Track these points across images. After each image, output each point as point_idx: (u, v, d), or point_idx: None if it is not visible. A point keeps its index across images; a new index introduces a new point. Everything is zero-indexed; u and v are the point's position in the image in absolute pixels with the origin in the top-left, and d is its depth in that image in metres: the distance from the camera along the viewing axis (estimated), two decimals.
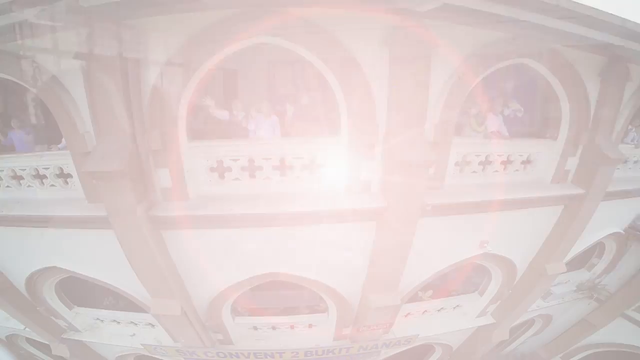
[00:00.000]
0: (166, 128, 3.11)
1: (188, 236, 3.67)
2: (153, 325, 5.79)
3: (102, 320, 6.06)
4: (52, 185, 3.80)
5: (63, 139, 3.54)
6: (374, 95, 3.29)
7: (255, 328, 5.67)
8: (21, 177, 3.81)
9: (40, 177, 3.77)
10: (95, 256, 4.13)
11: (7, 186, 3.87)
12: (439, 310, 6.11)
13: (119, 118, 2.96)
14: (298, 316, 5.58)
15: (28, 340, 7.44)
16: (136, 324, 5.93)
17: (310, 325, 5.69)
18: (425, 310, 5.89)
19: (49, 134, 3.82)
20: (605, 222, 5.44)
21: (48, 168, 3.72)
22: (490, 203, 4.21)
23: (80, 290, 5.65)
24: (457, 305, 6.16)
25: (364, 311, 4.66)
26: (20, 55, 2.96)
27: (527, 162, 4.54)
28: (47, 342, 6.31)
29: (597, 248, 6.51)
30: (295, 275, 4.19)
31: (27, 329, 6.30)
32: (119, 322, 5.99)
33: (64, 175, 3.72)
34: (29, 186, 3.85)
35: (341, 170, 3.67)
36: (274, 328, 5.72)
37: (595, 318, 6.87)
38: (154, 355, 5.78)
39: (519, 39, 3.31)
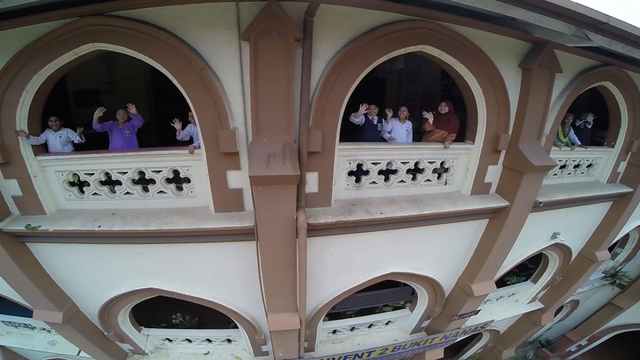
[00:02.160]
0: (328, 129, 3.55)
1: (321, 244, 4.07)
2: (230, 341, 6.17)
3: (171, 340, 6.20)
4: (161, 192, 3.76)
5: (197, 137, 3.54)
6: (511, 109, 4.08)
7: (335, 331, 6.25)
8: (118, 183, 3.70)
9: (145, 182, 3.70)
10: (202, 272, 4.24)
11: (95, 193, 3.77)
12: (497, 299, 7.17)
13: (282, 115, 3.11)
14: (378, 315, 6.25)
15: None
16: (212, 341, 6.19)
17: (388, 323, 6.42)
18: (488, 299, 6.90)
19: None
20: (636, 215, 6.81)
21: (160, 171, 3.66)
22: (560, 201, 5.21)
23: (148, 311, 5.67)
24: (513, 293, 7.27)
25: (459, 301, 5.48)
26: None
27: (590, 166, 5.65)
28: None
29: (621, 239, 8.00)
30: (409, 272, 4.87)
31: (80, 355, 6.27)
32: (191, 341, 6.19)
33: (178, 180, 3.72)
34: (126, 193, 3.77)
35: (469, 174, 4.43)
36: (352, 329, 6.35)
37: (621, 301, 8.40)
38: None
39: None
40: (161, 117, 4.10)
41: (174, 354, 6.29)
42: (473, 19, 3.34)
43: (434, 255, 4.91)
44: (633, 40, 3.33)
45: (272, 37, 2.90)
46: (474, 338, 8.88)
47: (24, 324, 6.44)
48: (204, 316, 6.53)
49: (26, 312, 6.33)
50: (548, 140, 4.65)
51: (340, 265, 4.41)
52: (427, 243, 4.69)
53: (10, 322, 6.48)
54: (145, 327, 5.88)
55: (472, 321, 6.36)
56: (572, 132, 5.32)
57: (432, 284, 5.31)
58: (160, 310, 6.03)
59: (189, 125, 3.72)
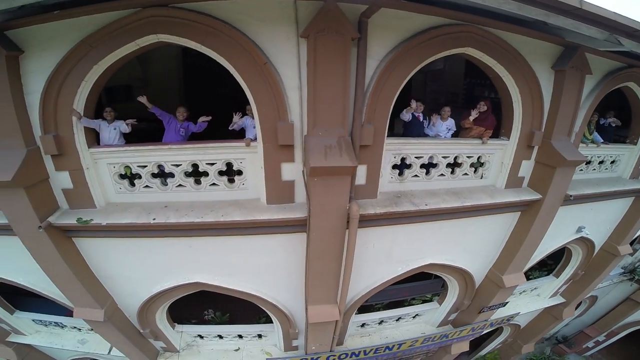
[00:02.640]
0: (378, 123, 3.74)
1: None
2: (261, 337, 6.33)
3: (203, 337, 6.33)
4: (213, 184, 3.91)
5: (250, 130, 3.75)
6: (545, 107, 4.30)
7: (363, 325, 6.43)
8: (170, 175, 3.82)
9: (196, 175, 3.82)
10: (247, 265, 4.40)
11: (146, 186, 3.88)
12: (520, 293, 7.38)
13: (338, 109, 3.32)
14: (406, 308, 6.43)
15: None
16: (242, 337, 6.33)
17: (415, 316, 6.60)
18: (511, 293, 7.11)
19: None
20: None
21: (214, 163, 3.82)
22: (587, 195, 5.43)
23: (180, 308, 5.74)
24: (535, 288, 7.49)
25: (488, 292, 5.68)
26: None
27: (613, 162, 5.89)
28: None
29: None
30: (445, 264, 5.06)
31: (111, 353, 6.37)
32: (222, 337, 6.33)
33: (230, 173, 3.87)
34: (178, 186, 3.89)
35: (504, 168, 4.64)
36: (380, 323, 6.53)
37: None
38: None
39: None
40: (193, 114, 4.24)
41: (205, 351, 6.41)
42: (512, 24, 3.58)
43: (468, 247, 5.11)
44: None
45: (330, 36, 3.09)
46: (493, 333, 9.10)
47: (54, 322, 6.54)
48: (234, 312, 6.68)
49: (56, 310, 6.47)
50: (577, 137, 4.91)
51: (381, 256, 4.60)
52: (463, 235, 4.90)
53: (40, 321, 6.57)
54: (178, 324, 6.00)
55: (499, 314, 6.57)
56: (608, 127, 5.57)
57: (464, 276, 5.51)
58: (190, 307, 6.14)
59: (245, 117, 3.88)
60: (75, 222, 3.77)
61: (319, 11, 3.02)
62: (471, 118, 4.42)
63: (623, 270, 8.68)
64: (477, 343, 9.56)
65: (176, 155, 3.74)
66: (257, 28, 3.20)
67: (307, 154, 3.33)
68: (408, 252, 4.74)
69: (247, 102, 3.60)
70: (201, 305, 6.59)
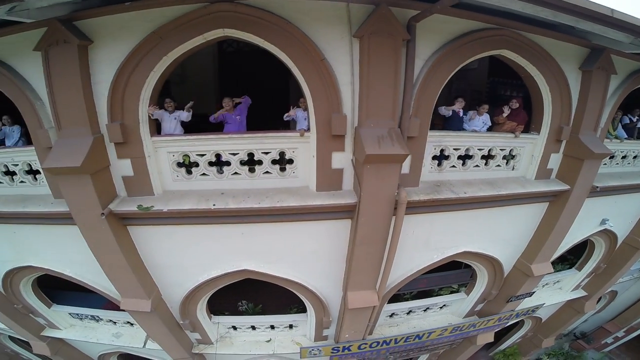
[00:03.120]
0: (423, 117, 4.06)
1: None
2: (292, 327, 6.65)
3: (236, 328, 6.65)
4: (266, 172, 4.27)
5: (301, 121, 4.14)
6: (573, 104, 4.65)
7: (392, 315, 6.74)
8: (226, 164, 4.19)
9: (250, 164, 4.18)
10: (292, 252, 4.75)
11: (203, 174, 4.21)
12: (543, 286, 7.65)
13: (389, 103, 3.66)
14: (435, 298, 6.74)
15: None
16: (274, 328, 6.66)
17: (442, 307, 6.90)
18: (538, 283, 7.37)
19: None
20: None
21: (269, 152, 4.16)
22: (612, 187, 5.73)
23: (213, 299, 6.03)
24: (558, 281, 7.77)
25: (516, 282, 5.98)
26: None
27: (636, 157, 6.20)
28: None
29: None
30: (477, 252, 5.39)
31: (146, 347, 6.67)
32: (255, 328, 6.65)
33: (281, 162, 4.23)
34: (234, 174, 4.24)
35: (534, 161, 4.97)
36: (409, 313, 6.83)
37: None
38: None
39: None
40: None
41: (237, 342, 6.73)
42: (544, 29, 3.93)
43: (500, 237, 5.44)
44: None
45: (382, 37, 3.46)
46: (513, 327, 9.36)
47: (91, 315, 6.83)
48: (265, 304, 7.00)
49: (93, 304, 6.77)
50: (602, 133, 5.26)
51: (419, 243, 4.92)
52: (495, 224, 5.23)
53: (77, 314, 6.85)
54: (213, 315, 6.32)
55: (525, 304, 6.86)
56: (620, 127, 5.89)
57: (493, 265, 5.83)
58: (224, 299, 6.44)
59: (296, 109, 4.23)
60: (136, 209, 4.08)
61: (374, 14, 3.37)
62: (504, 114, 4.76)
63: None
64: (497, 337, 9.79)
65: (235, 144, 4.08)
66: (314, 27, 3.55)
67: (360, 143, 3.67)
68: (444, 239, 5.07)
69: (281, 101, 3.96)
70: (234, 298, 6.91)
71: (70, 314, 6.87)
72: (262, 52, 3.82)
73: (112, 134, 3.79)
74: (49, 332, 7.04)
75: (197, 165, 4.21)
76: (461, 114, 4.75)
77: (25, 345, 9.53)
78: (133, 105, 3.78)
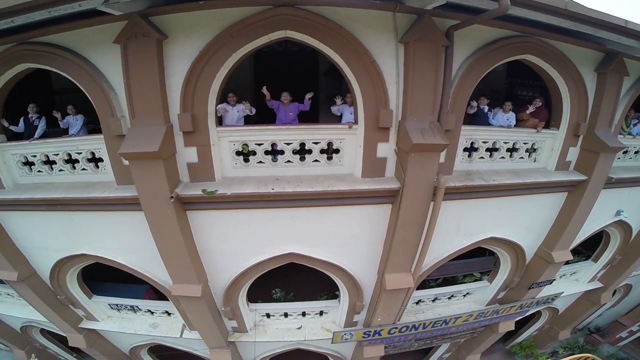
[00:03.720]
0: (458, 113, 4.72)
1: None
2: (322, 314, 7.22)
3: (269, 316, 7.21)
4: (315, 160, 4.84)
5: (348, 115, 4.76)
6: (589, 103, 5.30)
7: (418, 302, 7.31)
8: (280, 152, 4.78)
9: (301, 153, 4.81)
10: (336, 236, 5.34)
11: (259, 162, 4.82)
12: (560, 277, 8.22)
13: (430, 100, 4.34)
14: (459, 285, 7.31)
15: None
16: (305, 315, 7.22)
17: (466, 295, 7.47)
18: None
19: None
20: None
21: (318, 143, 4.76)
22: (626, 179, 6.35)
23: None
24: (574, 272, 8.33)
25: (538, 269, 6.56)
26: None
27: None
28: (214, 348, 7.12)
29: None
30: (503, 238, 5.99)
31: (182, 336, 7.19)
32: (287, 316, 7.21)
33: (329, 151, 4.87)
34: (287, 162, 4.87)
35: (554, 153, 5.60)
36: (434, 300, 7.39)
37: None
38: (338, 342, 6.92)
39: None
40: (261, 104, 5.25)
41: (270, 330, 7.30)
42: (564, 36, 4.60)
43: (523, 224, 6.06)
44: None
45: (425, 43, 4.13)
46: (531, 319, 9.88)
47: (129, 306, 7.35)
48: (295, 292, 7.57)
49: (131, 295, 7.30)
50: (616, 129, 5.90)
51: (450, 229, 5.53)
52: (518, 212, 5.88)
53: (116, 305, 7.36)
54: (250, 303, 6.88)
55: (545, 292, 7.42)
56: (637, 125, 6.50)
57: (516, 251, 6.43)
58: (257, 288, 6.92)
59: (342, 104, 4.87)
60: (201, 192, 4.69)
61: (418, 23, 4.02)
62: (528, 111, 5.41)
63: None
64: (514, 330, 10.29)
65: (289, 135, 4.71)
66: (365, 33, 4.20)
67: (405, 134, 4.31)
68: (473, 225, 5.69)
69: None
70: (267, 287, 7.47)
71: (109, 304, 7.40)
72: (293, 53, 4.43)
73: (182, 123, 4.33)
74: (86, 324, 7.55)
75: (254, 153, 4.82)
76: (486, 110, 5.39)
77: (54, 338, 10.11)
78: (203, 97, 4.32)
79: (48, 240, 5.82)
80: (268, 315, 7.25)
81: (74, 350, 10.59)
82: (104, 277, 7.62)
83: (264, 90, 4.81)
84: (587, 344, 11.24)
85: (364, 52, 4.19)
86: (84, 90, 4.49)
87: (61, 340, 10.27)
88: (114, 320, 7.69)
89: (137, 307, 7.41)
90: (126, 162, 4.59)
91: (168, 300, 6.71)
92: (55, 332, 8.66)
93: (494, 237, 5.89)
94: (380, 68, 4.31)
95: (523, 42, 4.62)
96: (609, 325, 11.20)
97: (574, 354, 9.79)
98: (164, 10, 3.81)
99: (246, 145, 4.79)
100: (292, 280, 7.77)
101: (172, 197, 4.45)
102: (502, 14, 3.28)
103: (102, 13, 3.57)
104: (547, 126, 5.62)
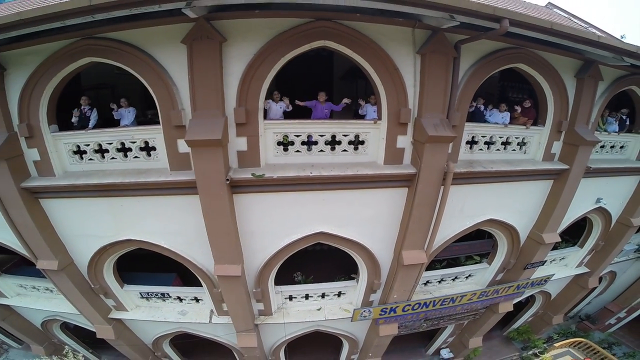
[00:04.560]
0: (462, 111, 5.98)
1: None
2: (340, 295, 8.31)
3: (292, 299, 8.21)
4: (344, 150, 6.03)
5: (371, 113, 5.96)
6: (570, 104, 6.70)
7: (427, 283, 8.49)
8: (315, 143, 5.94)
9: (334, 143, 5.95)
10: (358, 217, 6.50)
11: (297, 150, 6.00)
12: (551, 262, 9.53)
13: (440, 100, 5.62)
14: (462, 267, 8.51)
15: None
16: (324, 297, 8.27)
17: (468, 276, 8.67)
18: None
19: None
20: None
21: (347, 135, 5.94)
22: (603, 169, 7.77)
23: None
24: (563, 257, 9.67)
25: (530, 251, 7.86)
26: None
27: (622, 147, 8.27)
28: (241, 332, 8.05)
29: None
30: (501, 220, 7.26)
31: (212, 321, 8.08)
32: (308, 298, 8.24)
33: (354, 142, 6.02)
34: (320, 151, 6.04)
35: (541, 146, 6.94)
36: (440, 281, 8.56)
37: None
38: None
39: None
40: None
41: (292, 312, 8.32)
42: (550, 47, 5.93)
43: (516, 208, 7.39)
44: None
45: (438, 54, 5.41)
46: (525, 305, 11.13)
47: (160, 294, 8.23)
48: (314, 276, 8.59)
49: (160, 284, 8.16)
50: (593, 126, 7.32)
51: (455, 211, 6.76)
52: (513, 197, 7.19)
53: (147, 294, 8.20)
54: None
55: (538, 273, 8.69)
56: (614, 123, 7.91)
57: (512, 233, 7.71)
58: (280, 272, 7.90)
59: (367, 104, 6.06)
60: (250, 176, 5.72)
61: (433, 38, 5.27)
62: (519, 110, 6.74)
63: (638, 247, 10.95)
64: (510, 317, 11.55)
65: (324, 128, 5.88)
66: (390, 45, 5.41)
67: (421, 128, 5.53)
68: (474, 208, 6.95)
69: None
70: (287, 272, 8.44)
71: (140, 293, 8.23)
72: (311, 58, 5.51)
73: (237, 116, 5.30)
74: (115, 314, 8.32)
75: (292, 143, 5.92)
76: (482, 109, 6.70)
77: (72, 334, 10.72)
78: (255, 94, 5.32)
79: (93, 227, 6.60)
80: (290, 298, 8.25)
81: (90, 347, 11.20)
82: (133, 269, 8.44)
83: (297, 102, 6.04)
84: (579, 330, 12.57)
85: (389, 60, 5.42)
86: (146, 84, 5.35)
87: (79, 336, 10.92)
88: (143, 309, 8.48)
89: (167, 294, 8.25)
90: (183, 150, 5.62)
91: (197, 287, 7.58)
92: (78, 325, 9.40)
93: (492, 219, 7.17)
94: (401, 74, 5.54)
95: (515, 53, 5.97)
96: (598, 312, 12.58)
97: (567, 340, 11.09)
98: (224, 15, 4.66)
99: (286, 136, 5.90)
100: (311, 266, 8.82)
101: (227, 179, 5.48)
102: (503, 33, 4.55)
103: (170, 14, 4.35)
104: (535, 123, 6.97)
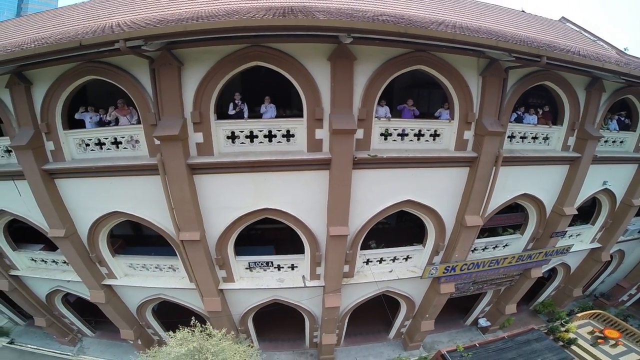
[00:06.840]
0: (508, 115, 9.77)
1: None
2: (407, 259, 11.93)
3: (368, 263, 11.59)
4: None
5: (444, 115, 9.79)
6: (581, 108, 10.63)
7: (473, 250, 12.09)
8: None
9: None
10: (431, 188, 10.18)
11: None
12: (569, 237, 13.29)
13: (494, 108, 9.49)
14: (500, 237, 12.19)
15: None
16: (395, 261, 11.80)
17: (505, 246, 12.35)
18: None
19: None
20: None
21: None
22: (605, 157, 11.68)
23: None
24: (579, 234, 13.48)
25: (555, 222, 11.62)
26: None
27: (622, 142, 12.20)
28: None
29: None
30: (533, 195, 11.02)
31: (306, 285, 11.41)
32: (381, 262, 11.73)
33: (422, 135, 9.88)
34: (393, 140, 9.84)
35: (560, 140, 10.78)
36: (484, 249, 12.19)
37: None
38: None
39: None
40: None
41: (368, 274, 11.66)
42: (571, 70, 9.82)
43: (543, 186, 11.19)
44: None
45: (495, 77, 9.26)
46: (548, 279, 14.79)
47: (265, 263, 11.30)
48: (384, 242, 12.05)
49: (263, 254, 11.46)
50: (598, 125, 11.25)
51: (500, 186, 10.47)
52: (541, 176, 11.12)
53: (255, 264, 11.27)
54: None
55: (560, 243, 12.41)
56: (615, 123, 11.88)
57: (539, 207, 11.51)
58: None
59: (441, 109, 9.76)
60: (367, 155, 9.27)
61: (491, 66, 9.08)
62: (541, 113, 10.61)
63: None
64: (535, 292, 15.14)
65: (405, 124, 9.58)
66: (463, 69, 9.21)
67: (482, 126, 9.32)
68: (512, 185, 10.73)
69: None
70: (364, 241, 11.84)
71: (249, 263, 11.29)
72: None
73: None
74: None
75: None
76: (520, 114, 10.57)
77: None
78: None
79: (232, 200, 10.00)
80: (367, 262, 11.63)
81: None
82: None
83: (398, 106, 9.76)
84: (596, 306, 16.23)
85: (463, 80, 9.21)
86: (297, 87, 8.80)
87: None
88: (246, 279, 11.59)
89: (272, 262, 11.26)
90: (318, 137, 9.09)
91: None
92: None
93: (526, 194, 10.93)
94: (470, 89, 9.29)
95: (544, 74, 9.83)
96: (612, 290, 16.34)
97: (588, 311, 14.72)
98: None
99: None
100: (381, 238, 12.27)
101: (355, 157, 8.97)
102: (543, 65, 8.37)
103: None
104: (554, 123, 10.81)
